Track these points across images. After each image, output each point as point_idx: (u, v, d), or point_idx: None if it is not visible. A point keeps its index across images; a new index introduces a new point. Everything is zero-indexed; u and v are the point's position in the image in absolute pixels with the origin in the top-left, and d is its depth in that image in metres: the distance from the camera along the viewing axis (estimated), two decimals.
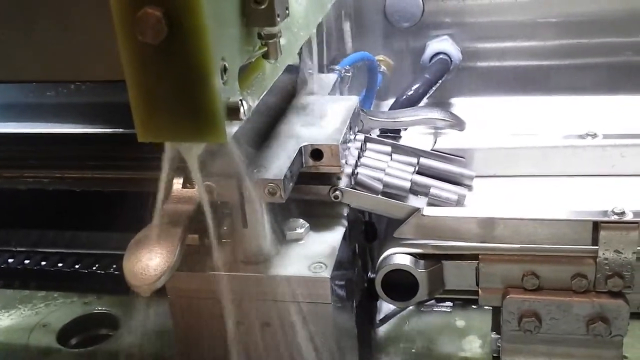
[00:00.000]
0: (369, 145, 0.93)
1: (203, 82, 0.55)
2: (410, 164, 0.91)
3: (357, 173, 0.86)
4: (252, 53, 0.63)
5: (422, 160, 0.92)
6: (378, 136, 0.97)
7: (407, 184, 0.86)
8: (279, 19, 0.61)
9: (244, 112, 0.58)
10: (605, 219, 0.78)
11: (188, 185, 0.78)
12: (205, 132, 0.57)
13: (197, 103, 0.56)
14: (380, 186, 0.84)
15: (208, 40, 0.54)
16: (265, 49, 0.64)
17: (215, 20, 0.55)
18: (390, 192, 0.85)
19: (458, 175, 0.92)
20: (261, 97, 0.68)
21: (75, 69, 0.69)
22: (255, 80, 0.66)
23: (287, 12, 0.64)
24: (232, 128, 0.59)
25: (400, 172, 0.88)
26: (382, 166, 0.88)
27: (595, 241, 0.79)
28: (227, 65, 0.57)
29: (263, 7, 0.60)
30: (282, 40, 0.65)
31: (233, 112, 0.58)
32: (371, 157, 0.90)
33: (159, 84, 0.56)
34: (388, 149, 0.93)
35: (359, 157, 0.89)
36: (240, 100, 0.58)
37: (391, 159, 0.91)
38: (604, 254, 0.78)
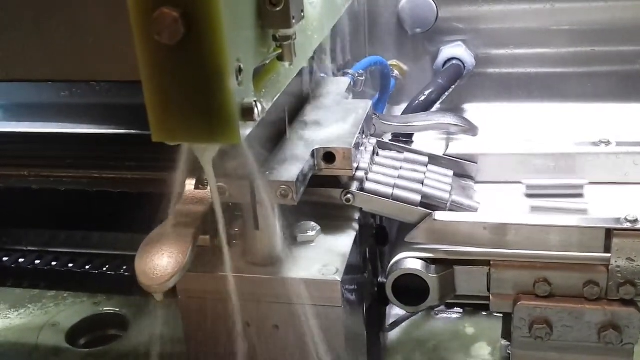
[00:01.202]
0: (380, 149, 0.93)
1: (218, 83, 0.55)
2: (423, 164, 0.91)
3: (369, 177, 0.85)
4: (267, 55, 0.64)
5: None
6: (390, 141, 0.97)
7: (420, 187, 0.86)
8: (294, 21, 0.62)
9: (258, 113, 0.58)
10: (618, 226, 0.77)
11: (200, 186, 0.78)
12: (220, 132, 0.57)
13: (212, 103, 0.56)
14: (391, 190, 0.84)
15: (224, 41, 0.54)
16: (280, 51, 0.64)
17: (232, 21, 0.55)
18: (402, 196, 0.85)
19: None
20: (275, 98, 0.68)
21: (89, 69, 0.69)
22: (269, 82, 0.66)
23: (302, 14, 0.65)
24: (246, 129, 0.59)
25: (414, 174, 0.88)
26: (394, 171, 0.88)
27: (607, 249, 0.78)
28: (242, 66, 0.57)
29: (278, 9, 0.60)
30: (297, 43, 0.65)
31: (247, 113, 0.58)
32: (383, 162, 0.90)
33: (175, 84, 0.56)
34: (400, 154, 0.93)
35: (370, 161, 0.89)
36: (255, 101, 0.58)
37: (404, 163, 0.91)
38: (616, 261, 0.78)
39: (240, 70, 0.57)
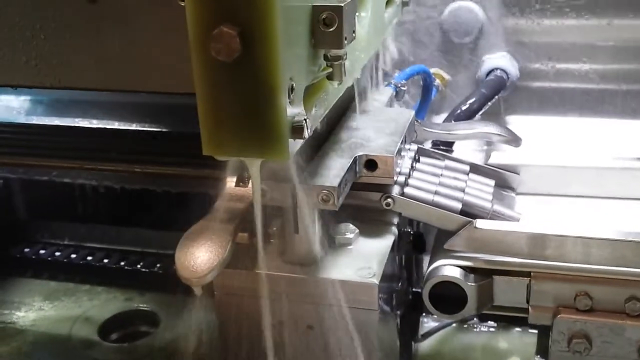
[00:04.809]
0: (421, 155, 0.92)
1: (271, 101, 0.56)
2: (464, 172, 0.90)
3: (409, 182, 0.85)
4: (317, 73, 0.64)
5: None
6: (431, 148, 0.97)
7: (461, 195, 0.85)
8: (346, 42, 0.62)
9: (307, 131, 0.59)
10: None
11: (241, 184, 0.78)
12: (270, 149, 0.58)
13: (263, 120, 0.57)
14: (432, 196, 0.84)
15: (279, 60, 0.55)
16: (330, 70, 0.65)
17: (287, 40, 0.56)
18: (443, 202, 0.84)
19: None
20: (322, 116, 0.69)
21: (141, 80, 0.70)
22: (318, 101, 0.66)
23: (353, 35, 0.65)
24: (295, 146, 0.60)
25: (455, 182, 0.87)
26: (435, 178, 0.88)
27: None
28: (294, 85, 0.58)
29: (332, 29, 0.61)
30: (346, 62, 0.65)
31: (297, 131, 0.59)
32: (424, 168, 0.90)
33: (228, 100, 0.57)
34: (441, 161, 0.92)
35: (411, 167, 0.88)
36: (305, 119, 0.59)
37: (445, 171, 0.90)
38: None
39: (292, 89, 0.58)
